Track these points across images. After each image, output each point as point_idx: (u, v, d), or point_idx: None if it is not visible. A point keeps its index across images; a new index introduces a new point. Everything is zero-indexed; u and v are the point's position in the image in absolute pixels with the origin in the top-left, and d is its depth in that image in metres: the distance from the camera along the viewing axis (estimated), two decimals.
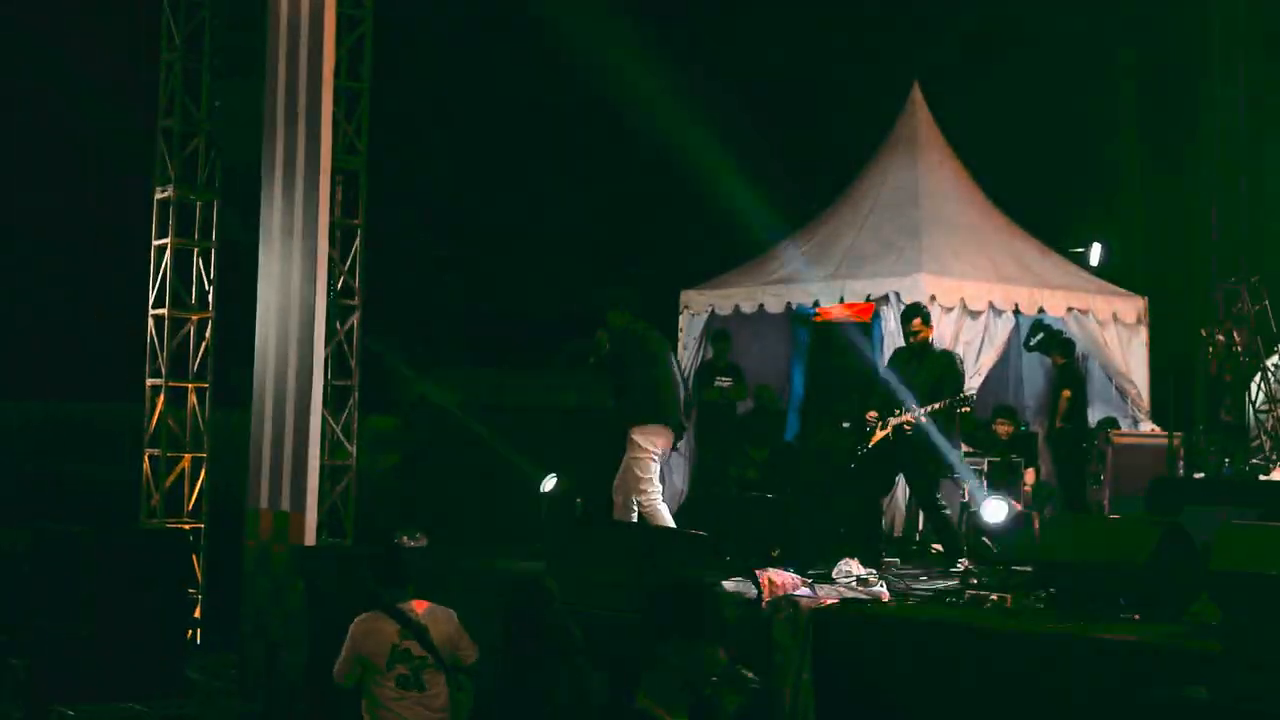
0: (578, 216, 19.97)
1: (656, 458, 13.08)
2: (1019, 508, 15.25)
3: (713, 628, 5.78)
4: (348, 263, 16.01)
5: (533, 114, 19.72)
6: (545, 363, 20.04)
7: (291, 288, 14.65)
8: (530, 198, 20.13)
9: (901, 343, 14.55)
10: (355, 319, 16.05)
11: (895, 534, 16.06)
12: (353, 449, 15.99)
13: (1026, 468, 16.82)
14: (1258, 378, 18.84)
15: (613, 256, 19.25)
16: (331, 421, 15.50)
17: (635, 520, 13.00)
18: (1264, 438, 18.89)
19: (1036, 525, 13.90)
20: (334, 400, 15.82)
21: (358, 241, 16.05)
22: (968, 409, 13.69)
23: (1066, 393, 17.84)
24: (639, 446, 13.04)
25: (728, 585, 11.29)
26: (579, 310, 19.03)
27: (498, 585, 11.32)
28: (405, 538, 13.57)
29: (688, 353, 18.49)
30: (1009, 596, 10.83)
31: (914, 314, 13.84)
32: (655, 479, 13.02)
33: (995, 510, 14.70)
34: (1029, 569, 11.71)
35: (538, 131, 19.76)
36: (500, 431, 16.97)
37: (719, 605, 5.96)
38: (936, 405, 13.17)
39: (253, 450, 14.88)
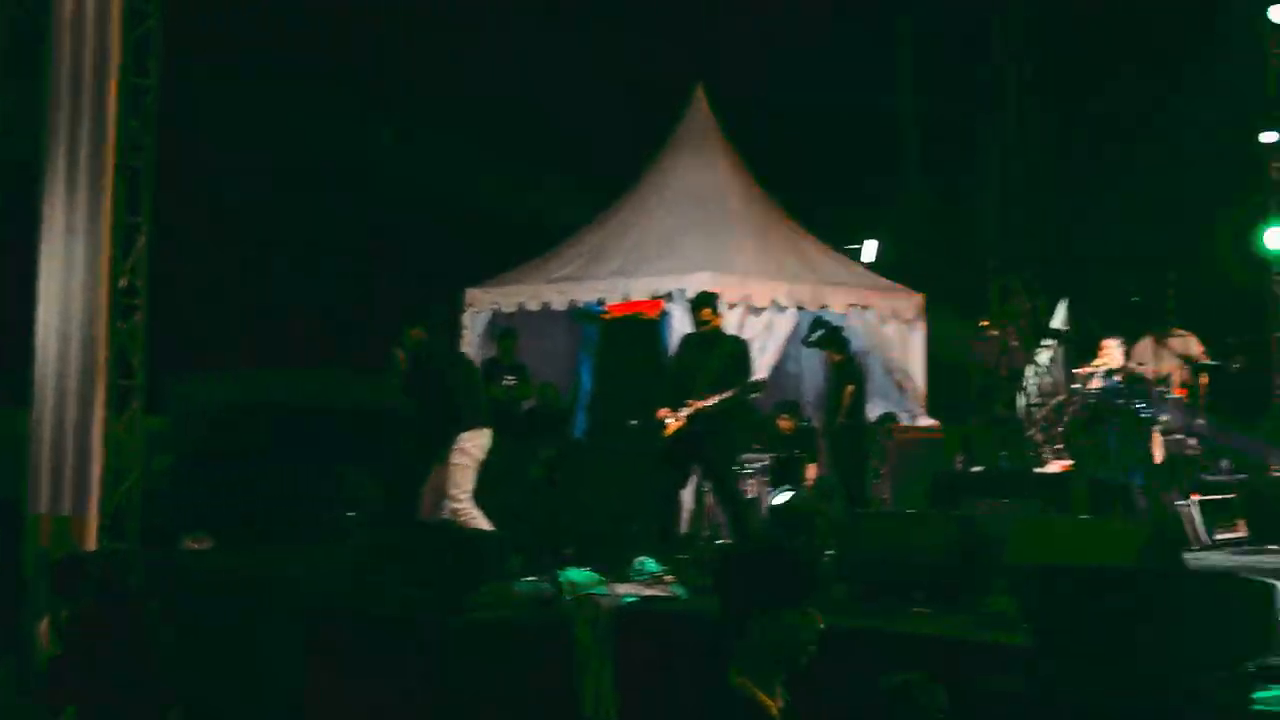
0: (363, 212, 19.73)
1: (479, 462, 12.96)
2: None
3: (808, 591, 5.42)
4: (130, 262, 15.63)
5: (323, 110, 19.41)
6: (334, 362, 19.79)
7: (73, 287, 14.29)
8: (318, 195, 19.83)
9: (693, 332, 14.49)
10: (138, 318, 15.68)
11: (683, 529, 16.11)
12: (135, 451, 15.62)
13: (808, 463, 16.99)
14: (1030, 372, 19.24)
15: (396, 253, 19.05)
16: (113, 423, 15.13)
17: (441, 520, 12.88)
18: (1037, 431, 19.28)
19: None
20: (116, 401, 15.43)
21: (142, 240, 15.68)
22: (758, 395, 13.71)
23: (850, 387, 18.03)
24: (465, 452, 12.89)
25: (524, 585, 11.24)
26: (364, 307, 18.95)
27: (292, 591, 11.24)
28: (190, 541, 13.42)
29: (472, 351, 18.38)
30: None
31: (704, 303, 13.85)
32: (472, 483, 12.89)
33: (782, 495, 14.90)
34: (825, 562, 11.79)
35: (326, 128, 19.46)
36: (289, 432, 16.76)
37: (814, 566, 5.55)
38: (728, 393, 13.16)
39: (32, 453, 14.48)
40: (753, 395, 13.57)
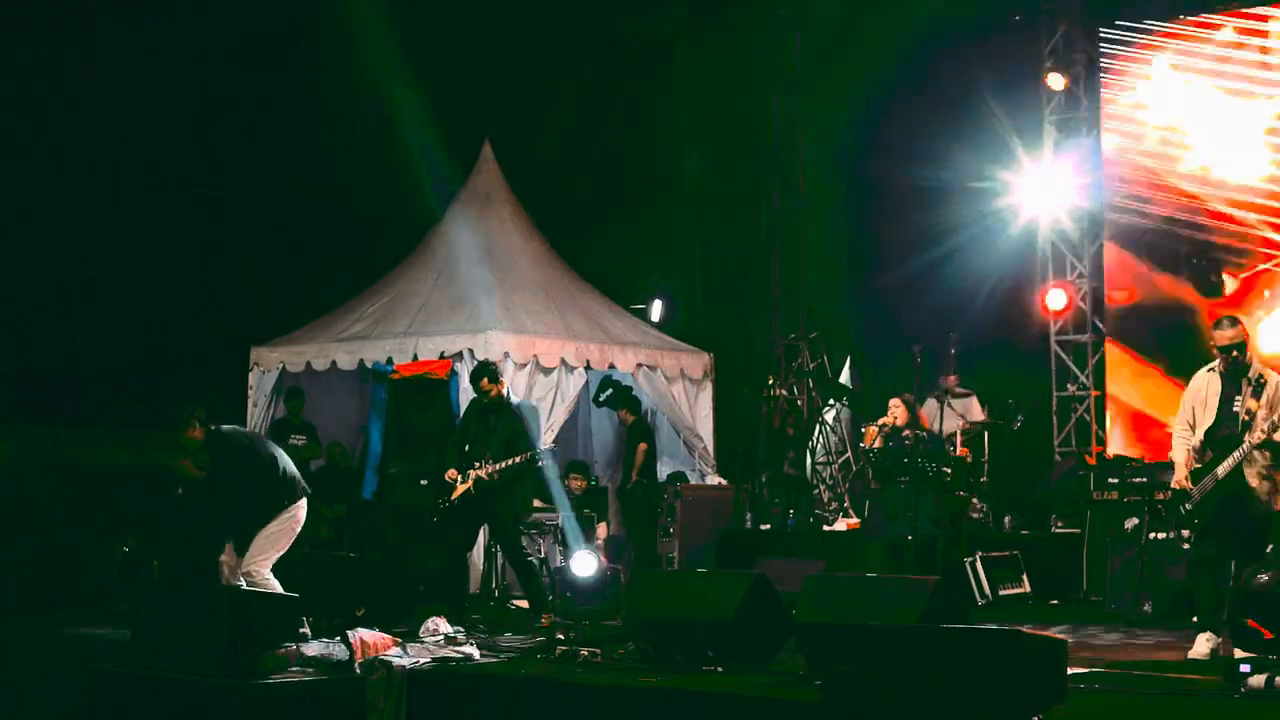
0: (141, 269, 19.43)
1: (294, 534, 12.53)
2: (606, 562, 15.48)
3: None
4: None
5: (91, 154, 19.08)
6: (99, 420, 19.44)
7: None
8: (87, 250, 19.46)
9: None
10: None
11: (473, 590, 16.05)
12: None
13: (599, 522, 17.04)
14: (818, 431, 19.47)
15: (179, 310, 18.80)
16: None
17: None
18: (824, 489, 19.53)
19: (623, 579, 14.10)
20: None
21: None
22: (540, 462, 13.71)
23: (643, 446, 18.15)
24: (282, 521, 12.28)
25: (315, 647, 11.10)
26: (139, 364, 18.63)
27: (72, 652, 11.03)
28: None
29: (258, 410, 18.19)
30: (599, 651, 10.91)
31: (481, 374, 13.79)
32: (278, 554, 12.46)
33: (584, 564, 14.89)
34: (617, 623, 11.82)
35: (94, 176, 19.11)
36: (57, 491, 16.45)
37: None
38: (511, 461, 13.16)
39: None
40: (536, 463, 13.51)
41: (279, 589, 12.28)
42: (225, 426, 12.42)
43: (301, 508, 12.41)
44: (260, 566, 12.21)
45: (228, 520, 12.30)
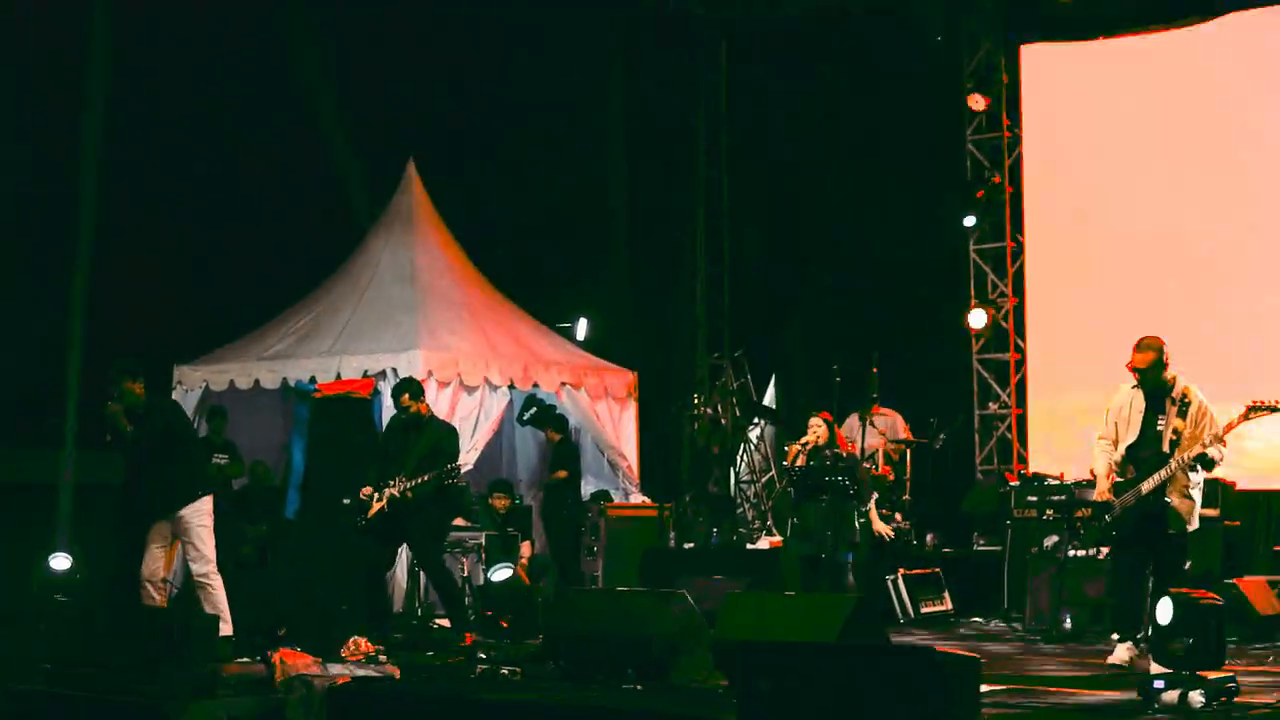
0: (56, 285, 19.26)
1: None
2: (525, 578, 15.48)
3: None
4: None
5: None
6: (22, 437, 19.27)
7: None
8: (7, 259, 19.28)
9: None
10: None
11: (398, 609, 16.04)
12: None
13: (523, 541, 17.04)
14: (741, 449, 19.55)
15: (99, 328, 18.61)
16: None
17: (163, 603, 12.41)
18: (748, 508, 19.60)
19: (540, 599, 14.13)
20: None
21: None
22: (455, 480, 13.70)
23: (563, 473, 18.22)
24: (208, 514, 12.47)
25: (234, 667, 11.09)
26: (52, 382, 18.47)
27: None
28: None
29: None
30: (519, 670, 10.94)
31: (402, 390, 13.82)
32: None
33: (502, 574, 14.92)
34: (536, 642, 11.84)
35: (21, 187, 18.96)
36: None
37: None
38: (425, 476, 13.16)
39: None
40: (450, 480, 13.49)
41: (223, 597, 12.31)
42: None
43: (211, 501, 12.49)
44: (210, 565, 12.24)
45: (152, 492, 12.31)
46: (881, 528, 15.57)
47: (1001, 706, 9.28)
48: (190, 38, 19.70)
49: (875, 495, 15.63)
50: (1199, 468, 11.48)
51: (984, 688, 9.89)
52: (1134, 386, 11.72)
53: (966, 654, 8.31)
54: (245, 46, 19.96)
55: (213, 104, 19.80)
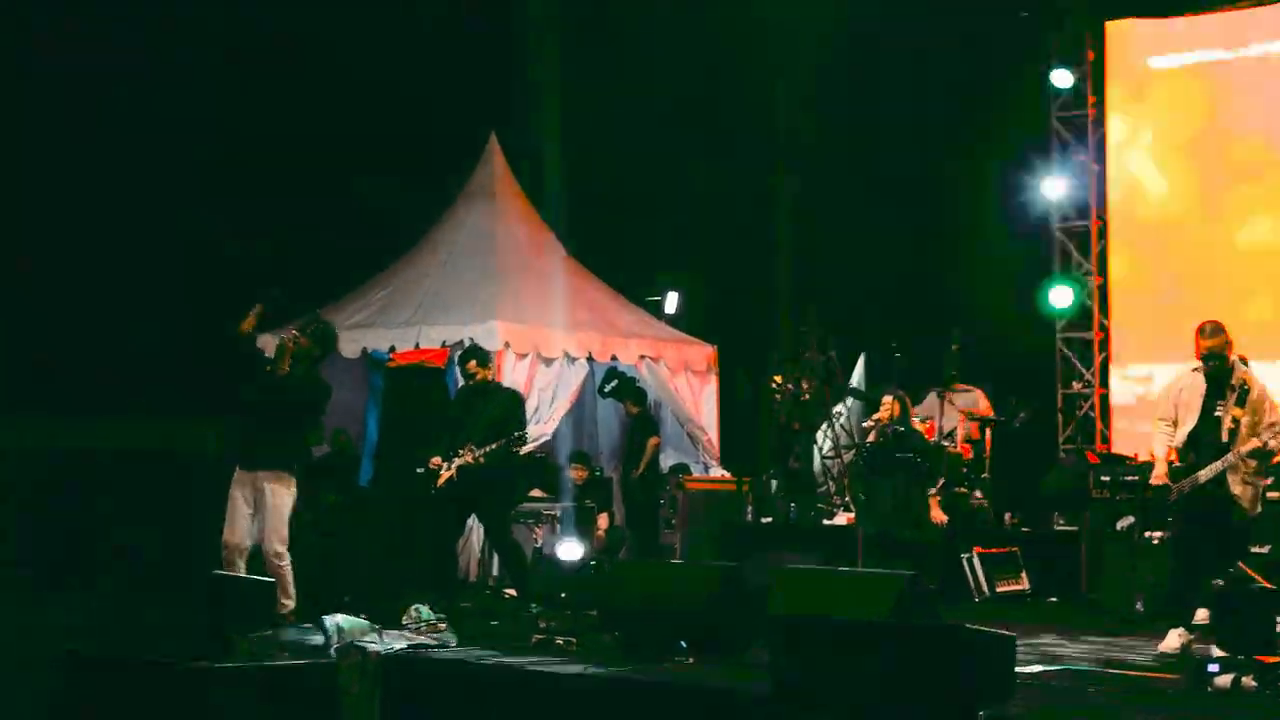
0: (147, 256, 19.50)
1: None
2: (593, 550, 15.50)
3: None
4: None
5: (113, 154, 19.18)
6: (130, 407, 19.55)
7: None
8: (113, 241, 19.56)
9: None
10: None
11: (471, 578, 16.14)
12: None
13: (600, 513, 17.09)
14: (825, 426, 19.45)
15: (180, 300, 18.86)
16: None
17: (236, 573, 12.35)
18: (830, 484, 19.51)
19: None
20: None
21: None
22: (519, 447, 13.66)
23: (654, 440, 18.21)
24: (291, 494, 12.33)
25: (292, 632, 11.20)
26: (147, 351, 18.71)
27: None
28: None
29: None
30: (574, 640, 10.98)
31: (469, 357, 13.85)
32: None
33: (570, 549, 14.93)
34: (596, 613, 11.87)
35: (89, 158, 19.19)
36: (79, 478, 16.59)
37: None
38: (494, 445, 13.15)
39: None
40: (516, 448, 13.47)
41: (291, 575, 12.29)
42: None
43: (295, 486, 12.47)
44: (284, 548, 12.20)
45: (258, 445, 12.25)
46: (938, 515, 15.47)
47: (1044, 685, 9.23)
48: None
49: (941, 481, 15.56)
50: (1259, 461, 11.34)
51: (1035, 668, 9.95)
52: (1194, 370, 11.59)
53: (1000, 633, 8.27)
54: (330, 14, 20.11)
55: (299, 75, 19.93)
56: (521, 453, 13.98)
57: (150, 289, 19.72)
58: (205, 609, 10.64)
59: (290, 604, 12.14)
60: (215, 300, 14.14)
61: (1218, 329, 11.52)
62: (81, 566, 14.46)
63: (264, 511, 12.22)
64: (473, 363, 13.74)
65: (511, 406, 13.65)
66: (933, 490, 15.40)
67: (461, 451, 13.16)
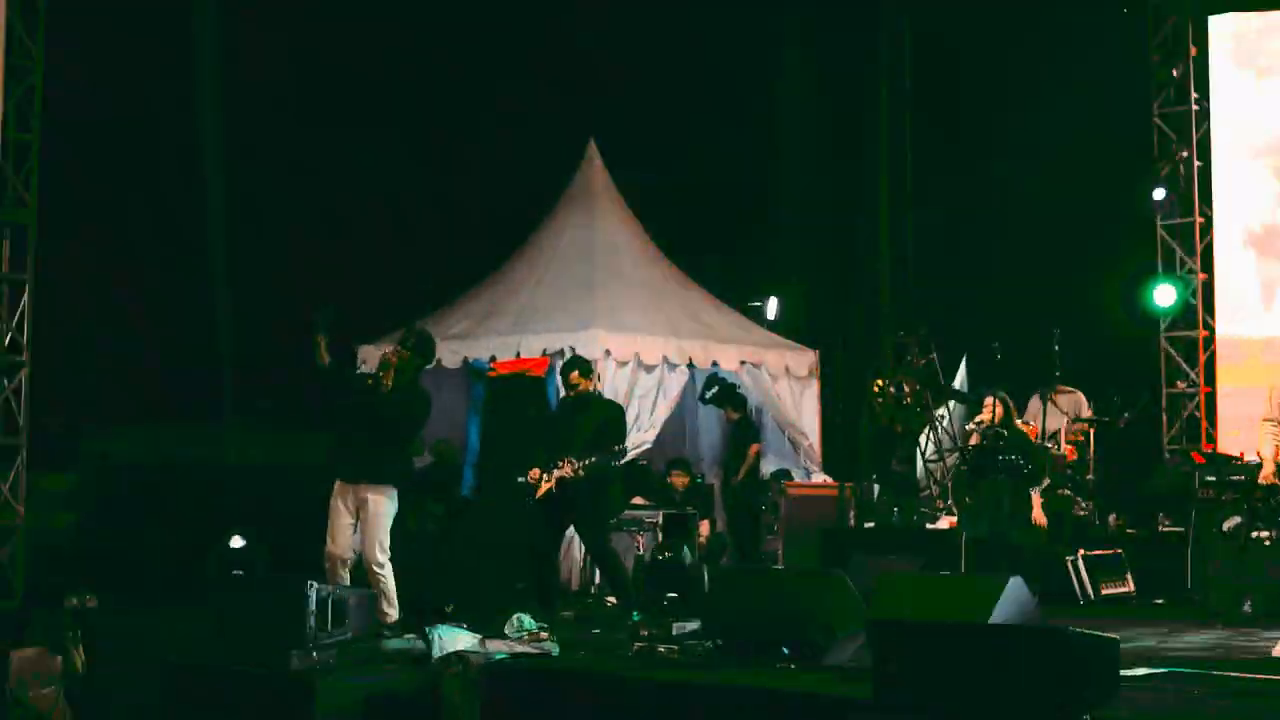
0: (237, 273, 19.70)
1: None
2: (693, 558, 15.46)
3: None
4: (15, 318, 15.68)
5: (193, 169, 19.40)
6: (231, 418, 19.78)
7: None
8: (201, 250, 19.79)
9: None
10: (23, 375, 15.74)
11: (573, 587, 16.18)
12: (20, 509, 15.65)
13: (701, 519, 17.07)
14: (927, 429, 19.36)
15: (282, 309, 18.99)
16: None
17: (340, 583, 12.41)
18: (934, 487, 19.41)
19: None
20: (0, 459, 15.53)
21: (25, 296, 15.72)
22: (619, 462, 13.60)
23: (756, 447, 18.19)
24: (389, 506, 12.45)
25: (395, 642, 11.29)
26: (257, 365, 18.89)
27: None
28: (74, 600, 13.35)
29: None
30: (675, 648, 10.97)
31: (571, 368, 13.83)
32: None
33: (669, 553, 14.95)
34: (698, 621, 11.86)
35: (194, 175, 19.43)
36: (184, 488, 16.75)
37: None
38: (594, 457, 13.04)
39: None
40: (617, 462, 13.43)
41: (393, 585, 12.37)
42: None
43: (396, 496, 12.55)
44: (385, 558, 12.29)
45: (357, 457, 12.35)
46: (1040, 518, 15.36)
47: (1149, 689, 9.14)
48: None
49: (1045, 482, 15.45)
50: None
51: (1141, 670, 9.85)
52: None
53: (1104, 635, 8.19)
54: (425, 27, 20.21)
55: (392, 88, 20.06)
56: (622, 463, 13.91)
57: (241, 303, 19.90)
58: (306, 619, 10.70)
59: (393, 613, 12.23)
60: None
61: None
62: (186, 580, 14.58)
63: (365, 522, 12.34)
64: (575, 373, 13.72)
65: (612, 419, 13.57)
66: (1036, 491, 15.26)
67: (561, 463, 13.09)
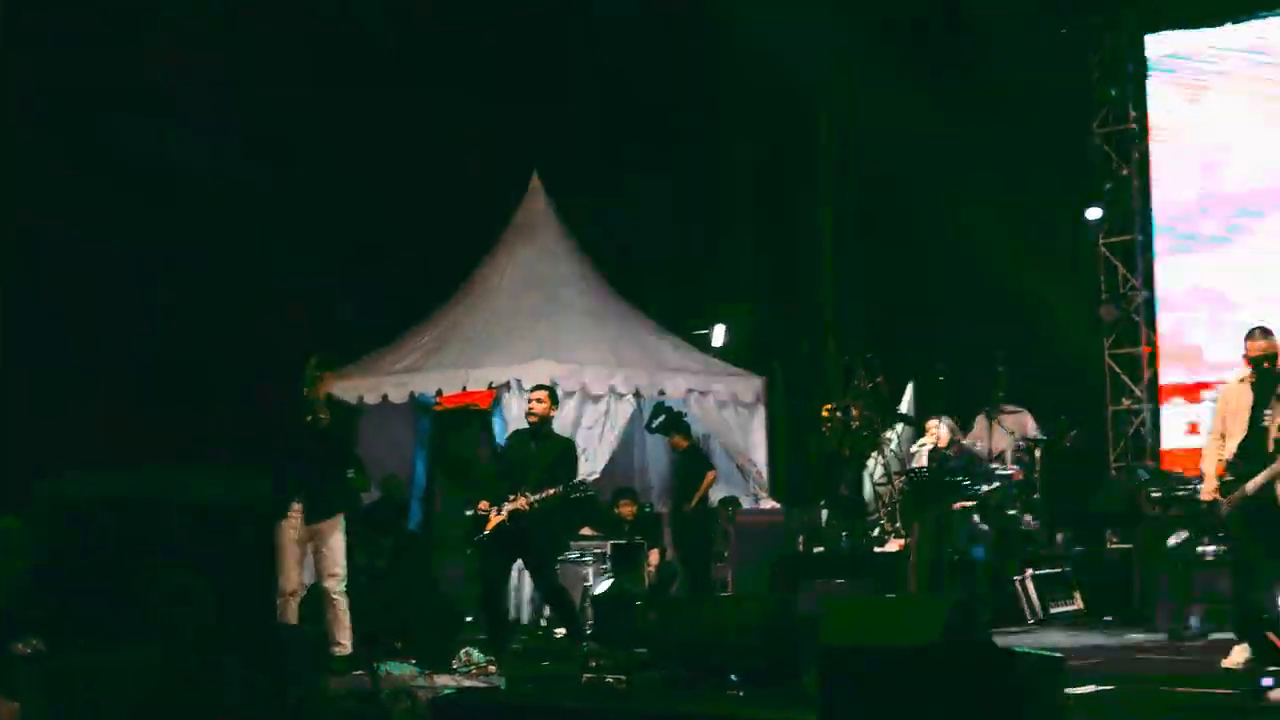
0: (199, 318, 19.59)
1: None
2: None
3: None
4: None
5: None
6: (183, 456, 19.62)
7: None
8: (154, 288, 19.64)
9: (524, 427, 14.27)
10: None
11: (522, 620, 16.13)
12: None
13: (651, 548, 17.03)
14: (875, 453, 19.40)
15: (231, 348, 18.91)
16: None
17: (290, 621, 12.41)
18: (882, 511, 19.45)
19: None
20: None
21: None
22: (578, 495, 13.50)
23: (712, 474, 18.14)
24: (341, 531, 12.57)
25: (343, 680, 11.24)
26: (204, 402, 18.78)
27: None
28: (20, 646, 13.22)
29: None
30: (625, 678, 10.93)
31: (542, 388, 13.64)
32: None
33: (603, 584, 14.92)
34: (646, 650, 11.84)
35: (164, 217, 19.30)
36: (141, 528, 16.62)
37: None
38: (550, 491, 13.00)
39: None
40: (574, 495, 13.32)
41: (346, 612, 12.41)
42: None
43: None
44: (342, 583, 12.34)
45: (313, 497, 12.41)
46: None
47: (1097, 705, 9.16)
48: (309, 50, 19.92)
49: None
50: None
51: (1089, 688, 9.87)
52: (1240, 380, 11.48)
53: (1051, 654, 8.21)
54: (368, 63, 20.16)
55: (338, 123, 19.99)
56: (586, 495, 13.84)
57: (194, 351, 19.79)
58: (260, 660, 10.64)
59: (346, 645, 12.23)
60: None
61: (1267, 332, 11.43)
62: (133, 621, 14.47)
63: (323, 552, 12.47)
64: (545, 393, 13.48)
65: (566, 453, 13.47)
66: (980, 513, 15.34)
67: (513, 496, 12.98)
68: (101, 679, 11.76)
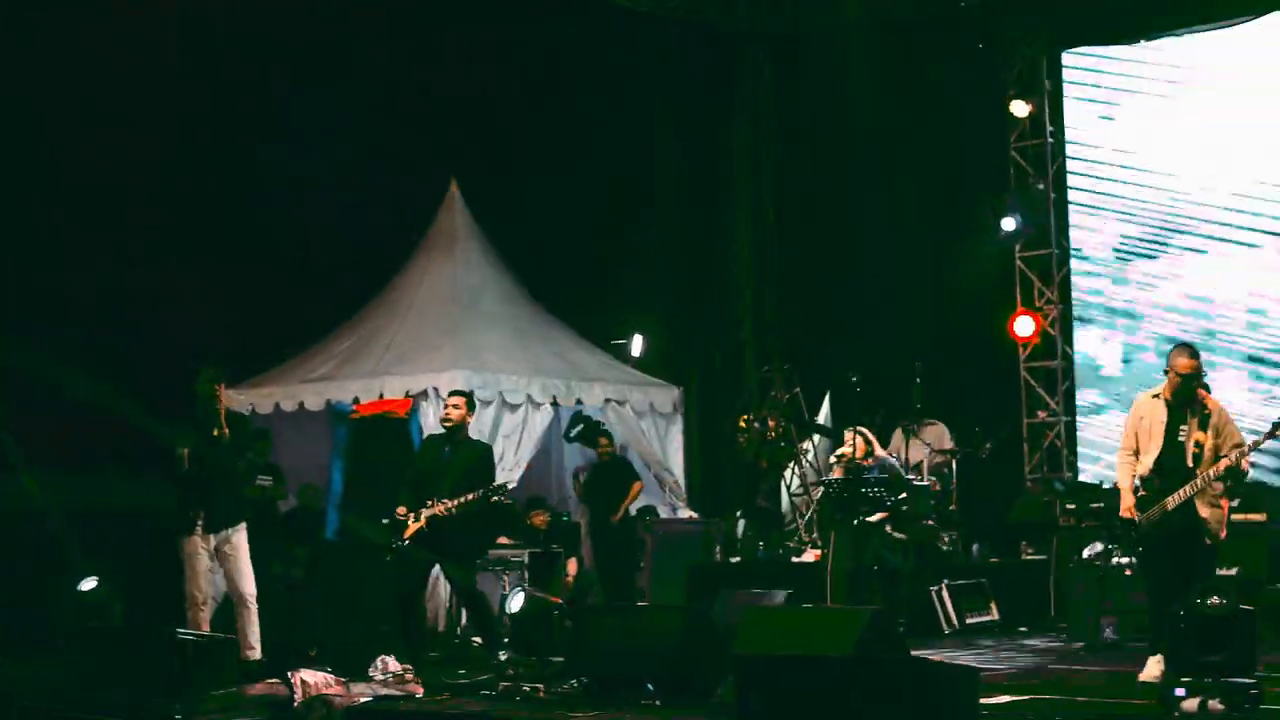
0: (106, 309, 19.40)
1: None
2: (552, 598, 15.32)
3: None
4: None
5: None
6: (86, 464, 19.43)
7: None
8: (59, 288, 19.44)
9: (439, 433, 14.16)
10: None
11: (439, 628, 16.06)
12: None
13: (569, 558, 16.98)
14: (792, 464, 19.45)
15: (145, 353, 18.73)
16: None
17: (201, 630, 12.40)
18: (799, 521, 19.51)
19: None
20: None
21: None
22: (498, 499, 13.42)
23: (639, 485, 18.13)
24: (245, 538, 12.73)
25: (258, 688, 11.16)
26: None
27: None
28: None
29: None
30: (541, 687, 10.93)
31: (461, 394, 13.55)
32: None
33: (518, 601, 14.84)
34: (563, 659, 11.83)
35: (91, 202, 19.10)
36: (40, 538, 16.47)
37: None
38: (469, 496, 12.94)
39: None
40: (494, 499, 13.25)
41: (255, 619, 12.44)
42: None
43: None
44: (248, 590, 12.39)
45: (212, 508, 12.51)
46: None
47: (1012, 716, 9.19)
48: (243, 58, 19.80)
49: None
50: (1229, 481, 11.30)
51: (1004, 698, 9.91)
52: (1155, 396, 11.53)
53: (966, 665, 8.25)
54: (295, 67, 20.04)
55: (257, 126, 19.86)
56: (504, 500, 13.78)
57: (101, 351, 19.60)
58: (170, 667, 10.57)
59: (257, 650, 12.25)
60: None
61: (1194, 351, 11.49)
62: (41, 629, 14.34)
63: (232, 560, 12.60)
64: (462, 400, 13.42)
65: (483, 458, 13.39)
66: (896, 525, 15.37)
67: (431, 502, 12.89)
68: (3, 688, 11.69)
